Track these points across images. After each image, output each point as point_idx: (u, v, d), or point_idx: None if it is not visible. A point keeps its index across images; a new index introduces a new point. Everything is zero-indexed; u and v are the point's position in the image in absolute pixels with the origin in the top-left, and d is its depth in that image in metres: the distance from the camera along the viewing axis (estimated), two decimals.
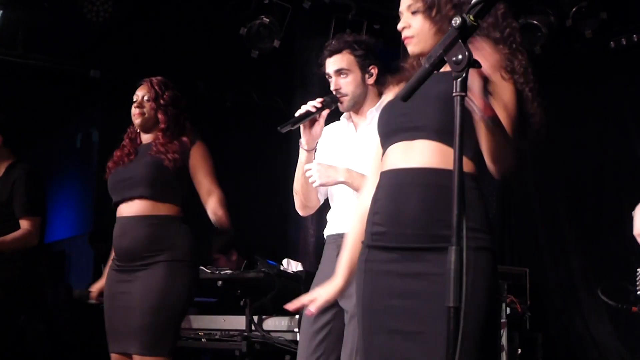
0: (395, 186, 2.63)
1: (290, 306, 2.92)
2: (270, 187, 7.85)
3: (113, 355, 4.14)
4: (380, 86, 3.69)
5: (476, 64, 2.02)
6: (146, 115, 4.22)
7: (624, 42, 7.13)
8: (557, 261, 7.52)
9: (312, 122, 3.63)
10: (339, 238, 3.63)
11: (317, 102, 3.59)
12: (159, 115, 4.20)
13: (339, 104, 3.68)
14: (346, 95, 3.67)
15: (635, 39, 7.06)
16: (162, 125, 4.20)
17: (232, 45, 7.35)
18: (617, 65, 7.33)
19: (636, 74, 7.21)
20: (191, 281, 4.12)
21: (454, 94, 1.99)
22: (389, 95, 2.93)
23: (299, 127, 3.61)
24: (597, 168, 7.41)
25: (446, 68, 2.28)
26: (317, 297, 2.89)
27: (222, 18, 7.23)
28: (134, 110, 4.23)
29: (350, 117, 3.79)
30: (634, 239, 6.61)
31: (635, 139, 7.09)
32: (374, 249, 2.66)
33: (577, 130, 7.60)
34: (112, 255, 4.24)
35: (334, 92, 3.68)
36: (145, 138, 4.30)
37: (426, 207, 2.55)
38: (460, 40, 1.98)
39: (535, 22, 6.95)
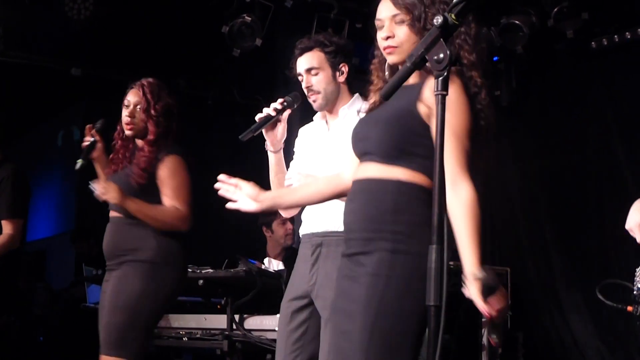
0: (350, 195, 2.77)
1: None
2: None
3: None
4: (350, 84, 3.73)
5: (457, 63, 2.02)
6: (136, 126, 4.22)
7: (605, 43, 7.15)
8: (538, 261, 7.53)
9: (274, 124, 3.64)
10: (313, 237, 3.66)
11: (277, 104, 3.61)
12: (150, 127, 4.19)
13: (312, 102, 3.69)
14: (318, 92, 3.67)
15: (617, 40, 7.09)
16: (150, 137, 4.19)
17: (213, 44, 7.33)
18: (599, 66, 7.35)
19: (617, 74, 7.24)
20: (167, 285, 4.10)
21: (435, 93, 1.99)
22: (366, 104, 3.00)
23: (262, 131, 3.61)
24: (578, 168, 7.42)
25: (412, 82, 2.52)
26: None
27: (204, 16, 7.21)
28: (125, 119, 4.25)
29: (324, 116, 3.80)
30: (615, 238, 6.67)
31: (616, 139, 7.11)
32: (343, 257, 2.77)
33: (558, 130, 7.61)
34: None
35: (306, 90, 3.69)
36: (138, 141, 4.32)
37: (364, 212, 2.67)
38: (441, 39, 1.98)
39: (516, 22, 6.97)
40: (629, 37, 7.00)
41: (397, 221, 2.53)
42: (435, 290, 1.97)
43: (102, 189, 4.01)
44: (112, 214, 4.25)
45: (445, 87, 1.96)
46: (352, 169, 2.89)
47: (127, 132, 4.25)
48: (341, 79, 3.72)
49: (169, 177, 4.14)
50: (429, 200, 2.38)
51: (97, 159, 4.36)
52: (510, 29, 7.05)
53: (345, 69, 3.72)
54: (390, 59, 2.77)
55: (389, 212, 2.56)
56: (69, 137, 10.22)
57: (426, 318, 2.08)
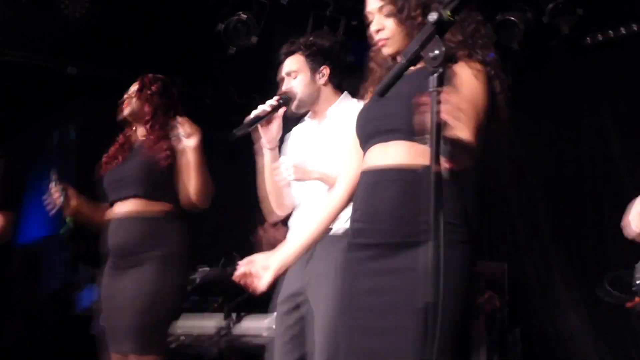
0: (372, 184, 2.67)
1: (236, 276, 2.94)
2: (250, 184, 7.81)
3: (113, 355, 4.11)
4: (335, 85, 3.73)
5: (453, 59, 2.02)
6: (132, 105, 4.24)
7: (600, 38, 7.17)
8: (536, 257, 7.55)
9: (269, 121, 3.64)
10: None
11: (273, 101, 3.62)
12: (145, 108, 4.20)
13: (289, 104, 3.70)
14: (295, 94, 3.69)
15: (612, 35, 7.10)
16: (147, 117, 4.20)
17: (210, 42, 7.33)
18: (594, 61, 7.36)
19: (612, 70, 7.25)
20: (183, 278, 4.13)
21: (430, 90, 1.99)
22: (366, 98, 2.96)
23: (257, 128, 3.62)
24: (574, 164, 7.44)
25: (418, 66, 2.38)
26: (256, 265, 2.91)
27: (199, 14, 7.20)
28: (123, 101, 4.28)
29: (314, 116, 3.81)
30: (613, 234, 6.67)
31: (612, 134, 7.12)
32: (355, 247, 2.70)
33: (554, 126, 7.63)
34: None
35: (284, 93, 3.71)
36: (139, 134, 4.32)
37: (399, 203, 2.59)
38: (436, 36, 1.98)
39: (512, 18, 6.98)
40: (624, 32, 7.02)
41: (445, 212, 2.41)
42: (432, 287, 1.97)
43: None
44: (121, 209, 4.19)
45: (440, 83, 1.96)
46: (348, 173, 2.88)
47: (124, 112, 4.27)
48: (322, 81, 3.74)
49: (198, 158, 4.13)
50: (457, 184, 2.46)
51: (77, 205, 4.33)
52: (505, 26, 7.05)
53: (326, 71, 3.74)
54: (385, 51, 2.78)
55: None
56: (65, 136, 10.20)
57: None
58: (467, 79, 2.63)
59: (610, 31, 7.10)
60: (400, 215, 2.58)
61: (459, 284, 2.49)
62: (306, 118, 3.89)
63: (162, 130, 4.17)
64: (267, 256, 2.91)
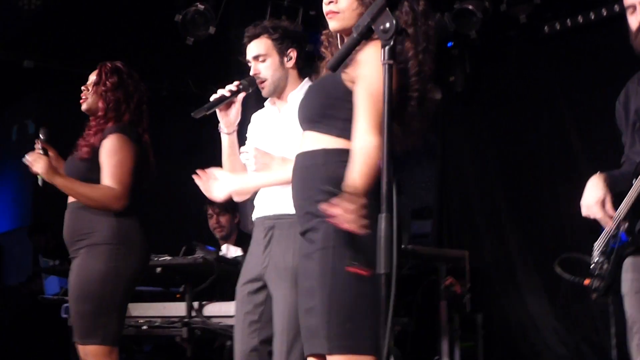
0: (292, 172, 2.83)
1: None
2: None
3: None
4: (300, 69, 3.74)
5: (403, 33, 2.03)
6: (88, 101, 4.26)
7: (558, 27, 7.23)
8: (495, 243, 7.61)
9: (228, 105, 3.64)
10: (265, 220, 3.67)
11: (233, 86, 3.61)
12: (99, 103, 4.21)
13: (261, 89, 3.70)
14: (265, 79, 3.68)
15: (569, 24, 7.16)
16: (99, 113, 4.21)
17: (167, 33, 7.29)
18: (552, 50, 7.42)
19: (570, 59, 7.31)
20: (120, 264, 4.07)
21: (382, 62, 1.99)
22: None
23: (215, 111, 3.62)
24: (531, 151, 7.50)
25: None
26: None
27: (156, 5, 7.17)
28: (82, 95, 4.29)
29: (274, 102, 3.81)
30: (570, 217, 6.74)
31: (569, 121, 7.19)
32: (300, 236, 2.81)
33: (512, 114, 7.68)
34: None
35: (253, 76, 3.70)
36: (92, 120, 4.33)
37: (300, 188, 2.74)
38: (387, 9, 1.99)
39: (470, 7, 7.01)
40: (581, 21, 7.08)
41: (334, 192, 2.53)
42: (386, 258, 1.98)
43: (32, 159, 4.02)
44: (69, 200, 4.22)
45: (392, 55, 1.97)
46: None
47: (83, 107, 4.29)
48: (289, 64, 3.73)
49: (107, 155, 4.11)
50: None
51: (55, 168, 4.31)
52: (463, 14, 7.09)
53: (293, 54, 3.73)
54: (332, 25, 2.79)
55: (323, 183, 2.60)
56: (23, 130, 10.10)
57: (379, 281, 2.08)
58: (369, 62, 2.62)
59: (567, 20, 7.15)
60: (301, 200, 2.73)
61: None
62: (266, 103, 3.88)
63: (107, 125, 4.17)
64: (230, 176, 3.14)
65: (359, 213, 2.29)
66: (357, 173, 2.44)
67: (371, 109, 2.51)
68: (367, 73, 2.52)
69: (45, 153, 4.23)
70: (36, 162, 4.04)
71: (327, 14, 2.80)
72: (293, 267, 3.31)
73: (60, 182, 4.06)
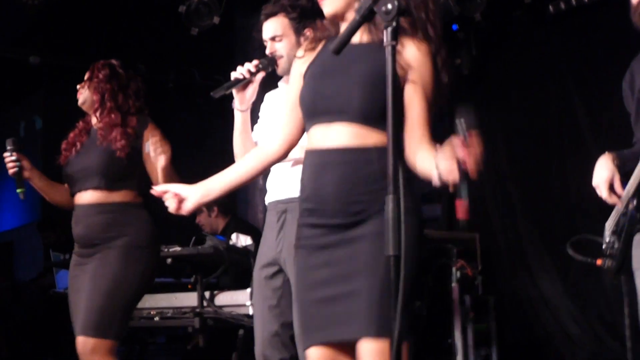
0: (317, 166, 2.71)
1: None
2: (216, 166, 7.78)
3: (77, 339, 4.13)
4: None
5: (405, 13, 2.02)
6: (84, 95, 4.28)
7: (563, 7, 7.18)
8: (506, 225, 7.59)
9: (246, 85, 3.62)
10: (278, 204, 3.67)
11: (251, 66, 3.58)
12: (94, 96, 4.23)
13: (275, 67, 3.68)
14: (282, 56, 3.66)
15: (574, 3, 7.11)
16: (96, 105, 4.22)
17: (171, 25, 7.29)
18: (557, 29, 7.39)
19: (575, 38, 7.27)
20: (147, 268, 4.12)
21: (385, 44, 1.98)
22: (300, 51, 2.99)
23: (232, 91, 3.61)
24: (540, 132, 7.48)
25: (367, 40, 2.55)
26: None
27: None
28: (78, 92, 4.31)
29: (288, 82, 3.79)
30: (580, 197, 6.73)
31: (576, 101, 7.16)
32: (305, 227, 2.75)
33: (519, 96, 7.66)
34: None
35: (270, 55, 3.68)
36: (93, 122, 4.32)
37: (342, 184, 2.63)
38: None
39: None
40: (586, 0, 7.03)
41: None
42: (394, 240, 1.97)
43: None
44: (82, 199, 4.20)
45: (394, 37, 1.96)
46: (284, 135, 2.92)
47: (79, 102, 4.31)
48: None
49: (156, 145, 4.09)
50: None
51: (30, 176, 4.33)
52: None
53: (309, 33, 3.70)
54: (325, 10, 2.76)
55: (377, 181, 2.55)
56: (31, 126, 10.13)
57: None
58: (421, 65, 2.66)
59: None
60: (343, 197, 2.63)
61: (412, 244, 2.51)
62: (280, 83, 3.87)
63: (111, 116, 4.18)
64: (190, 188, 2.96)
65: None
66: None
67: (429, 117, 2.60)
68: (427, 80, 2.58)
69: (19, 167, 4.24)
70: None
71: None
72: None
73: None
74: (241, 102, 3.65)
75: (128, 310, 4.14)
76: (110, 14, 7.35)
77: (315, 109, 2.73)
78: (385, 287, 2.35)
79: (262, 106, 3.90)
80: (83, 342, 4.02)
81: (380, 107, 2.46)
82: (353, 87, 2.63)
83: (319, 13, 3.73)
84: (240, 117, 3.69)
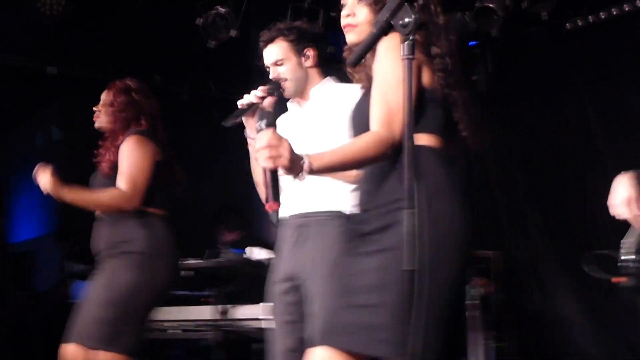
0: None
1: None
2: (231, 179, 7.81)
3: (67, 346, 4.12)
4: (320, 67, 3.72)
5: (423, 27, 2.02)
6: (100, 119, 4.33)
7: (580, 24, 7.18)
8: (521, 242, 7.57)
9: (255, 111, 3.62)
10: (294, 219, 3.64)
11: (259, 92, 3.58)
12: (110, 122, 4.27)
13: (282, 90, 3.68)
14: (286, 79, 3.67)
15: (591, 20, 7.11)
16: (110, 131, 4.28)
17: (188, 37, 7.30)
18: (574, 47, 7.37)
19: (592, 55, 7.26)
20: (152, 275, 4.08)
21: (402, 58, 1.98)
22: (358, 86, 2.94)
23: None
24: (556, 148, 7.46)
25: None
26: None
27: (177, 9, 7.18)
28: (95, 115, 4.37)
29: (298, 102, 3.80)
30: (595, 215, 6.70)
31: (592, 118, 7.14)
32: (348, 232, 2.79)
33: (536, 112, 7.65)
34: None
35: (275, 80, 3.69)
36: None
37: (375, 187, 2.65)
38: (406, 4, 1.98)
39: (491, 5, 6.96)
40: (603, 17, 7.03)
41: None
42: (409, 255, 1.97)
43: (38, 176, 4.04)
44: (96, 214, 4.27)
45: (411, 51, 1.96)
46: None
47: (95, 125, 4.37)
48: (308, 63, 3.73)
49: (121, 158, 4.17)
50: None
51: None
52: (484, 13, 7.04)
53: (310, 52, 3.72)
54: (348, 38, 2.79)
55: (395, 190, 2.51)
56: (47, 137, 10.16)
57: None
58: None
59: (589, 16, 7.11)
60: (374, 204, 2.63)
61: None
62: (288, 104, 3.87)
63: (119, 138, 4.21)
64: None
65: (271, 150, 2.31)
66: (341, 153, 2.44)
67: (379, 100, 2.51)
68: (378, 65, 2.51)
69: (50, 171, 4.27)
70: (41, 180, 4.05)
71: (344, 27, 2.81)
72: (333, 262, 3.32)
73: (68, 196, 4.07)
74: (253, 130, 3.66)
75: (142, 322, 4.11)
76: (127, 26, 7.36)
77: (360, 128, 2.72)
78: (401, 305, 2.34)
79: None
80: (84, 354, 4.00)
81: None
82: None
83: (318, 34, 3.78)
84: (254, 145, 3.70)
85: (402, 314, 2.35)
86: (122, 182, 4.09)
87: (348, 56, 2.89)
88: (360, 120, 2.69)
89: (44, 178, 4.02)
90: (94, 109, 4.36)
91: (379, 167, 2.63)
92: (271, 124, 2.47)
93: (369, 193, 2.69)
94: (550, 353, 7.19)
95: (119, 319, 3.99)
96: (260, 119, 2.56)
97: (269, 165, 2.29)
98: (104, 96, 4.36)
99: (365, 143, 2.48)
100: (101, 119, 4.33)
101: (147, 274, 4.05)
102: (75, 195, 4.09)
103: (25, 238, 10.65)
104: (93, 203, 4.13)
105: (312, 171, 2.38)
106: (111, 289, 4.02)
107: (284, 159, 2.29)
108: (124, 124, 4.27)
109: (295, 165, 2.34)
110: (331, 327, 2.64)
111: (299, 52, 3.71)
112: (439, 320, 2.44)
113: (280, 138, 2.31)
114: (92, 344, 4.01)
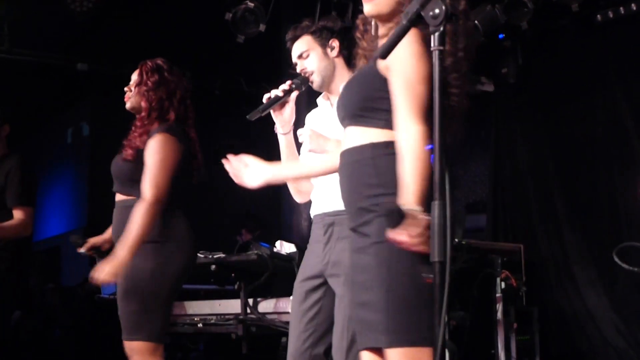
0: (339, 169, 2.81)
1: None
2: None
3: None
4: (346, 59, 3.72)
5: (453, 18, 2.01)
6: (132, 100, 4.25)
7: (611, 15, 7.13)
8: (551, 236, 7.53)
9: (282, 105, 3.63)
10: (325, 217, 3.64)
11: (285, 85, 3.60)
12: (142, 103, 4.20)
13: (311, 84, 3.69)
14: (312, 71, 3.67)
15: (622, 12, 7.06)
16: (143, 113, 4.20)
17: (218, 32, 7.32)
18: (605, 38, 7.32)
19: (624, 47, 7.21)
20: (166, 262, 4.01)
21: (432, 48, 1.97)
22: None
23: (270, 113, 3.61)
24: (586, 141, 7.42)
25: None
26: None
27: (206, 4, 7.20)
28: (126, 95, 4.28)
29: (327, 97, 3.80)
30: (627, 210, 6.67)
31: (624, 111, 7.10)
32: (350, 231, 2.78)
33: (566, 104, 7.61)
34: None
35: (303, 75, 3.69)
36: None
37: (349, 184, 2.70)
38: None
39: None
40: (634, 8, 6.98)
41: (384, 184, 2.52)
42: (439, 246, 1.96)
43: (96, 275, 3.87)
44: (117, 198, 4.22)
45: (442, 42, 1.95)
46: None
47: (127, 105, 4.28)
48: (333, 53, 3.73)
49: (149, 154, 4.08)
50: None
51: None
52: (514, 5, 7.02)
53: (335, 43, 3.72)
54: (366, 9, 2.75)
55: (373, 177, 2.58)
56: (78, 133, 10.24)
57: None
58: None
59: (620, 7, 7.06)
60: (352, 196, 2.68)
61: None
62: (318, 101, 3.87)
63: (151, 124, 4.17)
64: (262, 165, 3.07)
65: (425, 234, 2.21)
66: (409, 174, 2.38)
67: (408, 96, 2.47)
68: (399, 59, 2.47)
69: (98, 254, 4.24)
70: (100, 274, 3.84)
71: None
72: None
73: (123, 258, 3.90)
74: (282, 124, 3.67)
75: (164, 308, 4.09)
76: (158, 21, 7.40)
77: (339, 113, 2.84)
78: (392, 297, 2.46)
79: (305, 126, 3.90)
80: (127, 346, 4.03)
81: (360, 105, 2.65)
82: (346, 92, 2.77)
83: (342, 26, 3.79)
84: (284, 141, 3.72)
85: (394, 304, 2.48)
86: (148, 183, 4.04)
87: (361, 24, 2.91)
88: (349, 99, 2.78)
89: (103, 270, 3.82)
90: (125, 89, 4.25)
91: (355, 164, 2.68)
92: None
93: (342, 186, 2.76)
94: (574, 347, 7.18)
95: (140, 309, 3.98)
96: None
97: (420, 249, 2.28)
98: (135, 76, 4.25)
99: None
100: (133, 99, 4.23)
101: (161, 261, 4.01)
102: (126, 251, 3.86)
103: (55, 233, 10.75)
104: (139, 236, 3.90)
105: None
106: (129, 280, 3.99)
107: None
108: (157, 105, 4.20)
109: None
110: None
111: (324, 43, 3.72)
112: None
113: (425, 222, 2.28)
114: (124, 335, 4.03)
